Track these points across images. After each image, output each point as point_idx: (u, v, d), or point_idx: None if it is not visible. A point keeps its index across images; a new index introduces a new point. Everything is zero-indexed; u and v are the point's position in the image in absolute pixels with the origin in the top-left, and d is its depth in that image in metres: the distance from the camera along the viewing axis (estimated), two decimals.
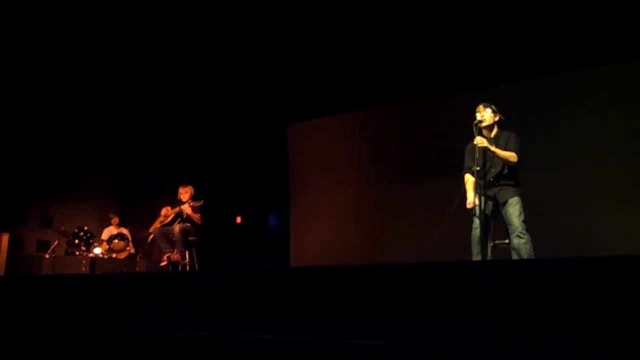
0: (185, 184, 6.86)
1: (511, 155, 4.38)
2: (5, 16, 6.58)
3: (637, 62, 6.09)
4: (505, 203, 4.37)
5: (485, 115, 4.52)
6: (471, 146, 4.56)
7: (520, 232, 4.23)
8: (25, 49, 7.32)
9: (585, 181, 6.24)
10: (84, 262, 7.58)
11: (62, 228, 8.05)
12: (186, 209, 6.52)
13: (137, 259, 8.21)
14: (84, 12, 6.64)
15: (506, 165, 4.45)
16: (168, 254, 6.46)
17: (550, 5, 5.85)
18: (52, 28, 6.97)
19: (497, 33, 6.30)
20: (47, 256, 7.66)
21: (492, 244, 4.40)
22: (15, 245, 7.98)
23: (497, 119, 4.57)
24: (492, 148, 4.38)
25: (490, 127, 4.57)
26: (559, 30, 6.03)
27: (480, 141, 4.38)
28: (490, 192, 4.43)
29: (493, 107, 4.58)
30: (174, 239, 6.45)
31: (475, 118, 4.50)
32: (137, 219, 8.85)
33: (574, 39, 6.05)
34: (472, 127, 4.46)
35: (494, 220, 4.49)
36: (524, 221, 4.28)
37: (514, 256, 4.23)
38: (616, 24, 5.77)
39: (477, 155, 4.37)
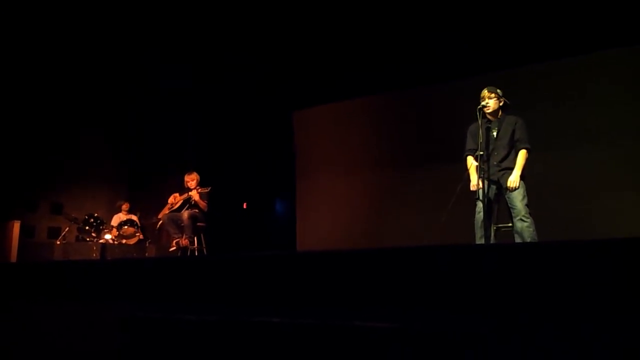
0: (190, 171, 6.90)
1: (524, 158, 4.42)
2: (4, 15, 6.61)
3: (634, 46, 6.05)
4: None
5: (490, 102, 4.51)
6: (474, 128, 4.57)
7: (524, 216, 4.26)
8: (33, 39, 7.37)
9: (589, 166, 6.23)
10: (95, 248, 7.68)
11: (73, 215, 8.15)
12: (194, 195, 6.58)
13: (147, 245, 8.30)
14: (96, 9, 6.67)
15: (510, 150, 4.47)
16: (177, 240, 6.52)
17: None
18: (59, 18, 7.01)
19: (499, 18, 6.27)
20: (58, 243, 7.77)
21: (495, 228, 4.43)
22: (26, 232, 8.09)
23: (501, 103, 4.57)
24: (514, 178, 4.34)
25: (494, 112, 4.58)
26: (562, 15, 5.99)
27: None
28: (494, 176, 4.46)
29: (498, 91, 4.56)
30: (182, 224, 6.52)
31: (479, 102, 4.52)
32: (146, 205, 8.93)
33: (576, 24, 6.01)
34: (476, 112, 4.48)
35: (498, 204, 4.52)
36: (527, 205, 4.31)
37: (517, 239, 4.26)
38: (619, 8, 5.73)
39: (481, 139, 4.38)
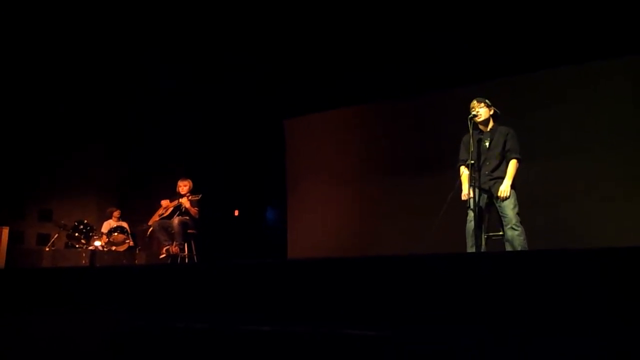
0: (184, 177, 6.88)
1: (515, 167, 4.44)
2: (2, 15, 6.58)
3: (633, 56, 6.10)
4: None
5: (480, 110, 4.56)
6: (467, 138, 4.60)
7: (515, 225, 4.29)
8: (23, 47, 7.33)
9: (580, 174, 6.26)
10: (84, 255, 7.61)
11: (62, 221, 8.08)
12: (185, 202, 6.55)
13: (137, 252, 8.25)
14: (82, 10, 6.64)
15: (502, 160, 4.50)
16: (167, 247, 6.48)
17: None
18: (50, 27, 6.98)
19: (493, 27, 6.30)
20: (47, 249, 7.70)
21: (486, 236, 4.45)
22: (15, 238, 8.01)
23: (491, 112, 4.62)
24: (505, 187, 4.37)
25: (485, 122, 4.61)
26: (556, 24, 6.03)
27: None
28: (485, 185, 4.49)
29: (487, 101, 4.62)
30: (173, 232, 6.48)
31: (470, 113, 4.55)
32: (136, 212, 8.88)
33: (571, 33, 6.05)
34: (468, 122, 4.51)
35: (489, 213, 4.54)
36: (518, 213, 4.33)
37: (508, 248, 4.28)
38: (614, 18, 5.77)
39: (472, 149, 4.42)
